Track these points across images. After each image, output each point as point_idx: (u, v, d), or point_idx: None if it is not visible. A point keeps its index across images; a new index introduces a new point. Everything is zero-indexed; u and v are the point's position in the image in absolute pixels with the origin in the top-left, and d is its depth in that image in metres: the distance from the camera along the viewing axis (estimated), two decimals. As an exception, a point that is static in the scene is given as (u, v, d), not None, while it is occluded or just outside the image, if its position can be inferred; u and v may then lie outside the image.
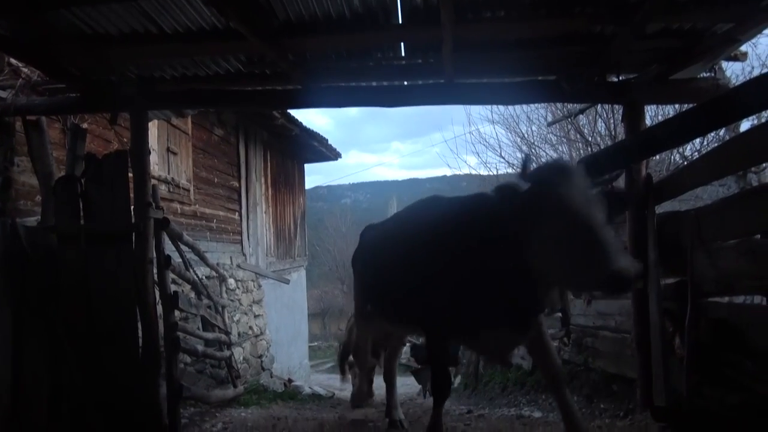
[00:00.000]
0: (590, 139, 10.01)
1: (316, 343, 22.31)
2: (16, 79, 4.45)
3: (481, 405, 6.02)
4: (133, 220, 4.01)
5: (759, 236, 2.96)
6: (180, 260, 5.49)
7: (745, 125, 5.11)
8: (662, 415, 3.21)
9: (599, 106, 8.57)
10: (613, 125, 9.37)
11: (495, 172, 12.68)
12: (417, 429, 4.16)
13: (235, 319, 8.46)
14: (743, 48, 3.96)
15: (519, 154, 12.37)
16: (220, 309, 6.80)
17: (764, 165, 5.79)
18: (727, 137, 5.96)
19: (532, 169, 2.78)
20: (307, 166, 13.69)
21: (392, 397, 4.46)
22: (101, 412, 3.64)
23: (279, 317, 11.01)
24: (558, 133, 11.39)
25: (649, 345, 3.53)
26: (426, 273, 3.15)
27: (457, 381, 10.08)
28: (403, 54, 3.89)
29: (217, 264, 7.78)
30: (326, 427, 4.34)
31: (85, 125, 4.87)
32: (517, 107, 11.89)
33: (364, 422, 4.64)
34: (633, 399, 3.91)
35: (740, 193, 4.29)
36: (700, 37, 3.56)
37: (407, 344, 8.15)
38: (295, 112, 10.17)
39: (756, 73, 6.67)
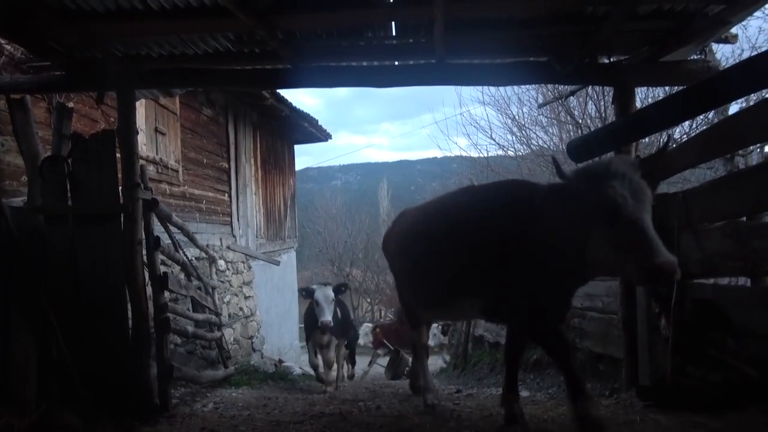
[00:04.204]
0: (581, 121, 10.01)
1: (306, 324, 22.39)
2: (-1, 56, 4.37)
3: (470, 385, 6.10)
4: (121, 201, 3.98)
5: (744, 218, 3.00)
6: (169, 241, 5.46)
7: (733, 108, 5.15)
8: (647, 394, 3.27)
9: (590, 87, 8.55)
10: (603, 107, 9.37)
11: (485, 154, 12.70)
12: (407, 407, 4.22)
13: (225, 300, 8.46)
14: (734, 30, 3.96)
15: (510, 136, 12.38)
16: (210, 290, 6.79)
17: (752, 148, 5.85)
18: (716, 120, 5.99)
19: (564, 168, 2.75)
20: (297, 148, 13.59)
21: None
22: (92, 391, 3.65)
23: (269, 298, 11.03)
24: (549, 115, 11.39)
25: (636, 325, 3.58)
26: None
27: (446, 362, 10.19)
28: (394, 33, 3.85)
29: (207, 245, 7.74)
30: (317, 407, 4.38)
31: (70, 104, 4.79)
32: (508, 89, 11.85)
33: (354, 401, 4.70)
34: (618, 378, 3.97)
35: (727, 175, 4.33)
36: (691, 18, 3.55)
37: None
38: (284, 93, 10.06)
39: (746, 55, 6.69)
